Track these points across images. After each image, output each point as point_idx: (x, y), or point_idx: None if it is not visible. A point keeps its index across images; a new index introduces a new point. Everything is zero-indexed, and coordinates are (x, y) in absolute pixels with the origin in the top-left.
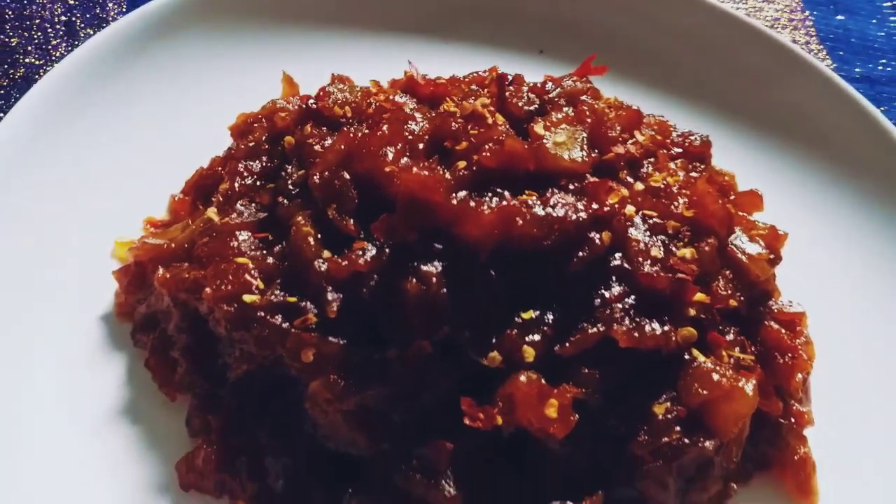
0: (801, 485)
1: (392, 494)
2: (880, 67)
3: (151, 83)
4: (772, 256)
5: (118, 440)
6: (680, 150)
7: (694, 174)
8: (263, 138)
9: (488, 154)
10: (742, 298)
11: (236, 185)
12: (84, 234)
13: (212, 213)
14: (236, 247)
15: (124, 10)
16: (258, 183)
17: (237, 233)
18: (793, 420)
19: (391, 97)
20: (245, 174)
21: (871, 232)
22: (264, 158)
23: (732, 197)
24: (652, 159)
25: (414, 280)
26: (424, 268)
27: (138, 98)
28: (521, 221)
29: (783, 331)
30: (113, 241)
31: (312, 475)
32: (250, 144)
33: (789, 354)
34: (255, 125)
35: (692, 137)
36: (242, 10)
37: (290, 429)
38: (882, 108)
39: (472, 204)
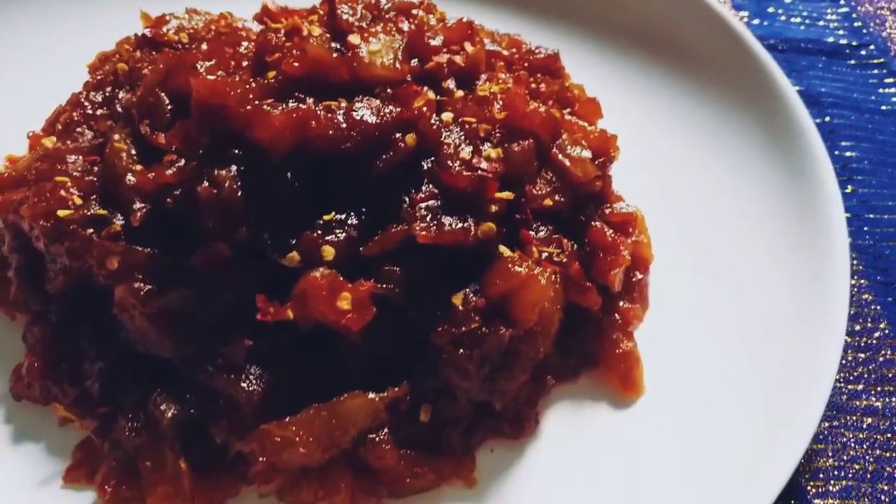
0: (624, 378)
1: (197, 392)
2: None
3: (18, 27)
4: (601, 159)
5: None
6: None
7: (542, 86)
8: (113, 71)
9: (293, 62)
10: (562, 199)
11: (75, 114)
12: None
13: (48, 140)
14: (63, 168)
15: None
16: (98, 112)
17: (67, 156)
18: (618, 316)
19: (235, 24)
20: (85, 103)
21: (725, 133)
22: (108, 89)
23: (577, 107)
24: (491, 73)
25: (206, 184)
26: (217, 171)
27: (5, 42)
28: (314, 124)
29: (608, 231)
30: None
31: (125, 377)
32: (99, 77)
33: (611, 252)
34: (109, 60)
35: (538, 51)
36: None
37: (105, 335)
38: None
39: (267, 109)
